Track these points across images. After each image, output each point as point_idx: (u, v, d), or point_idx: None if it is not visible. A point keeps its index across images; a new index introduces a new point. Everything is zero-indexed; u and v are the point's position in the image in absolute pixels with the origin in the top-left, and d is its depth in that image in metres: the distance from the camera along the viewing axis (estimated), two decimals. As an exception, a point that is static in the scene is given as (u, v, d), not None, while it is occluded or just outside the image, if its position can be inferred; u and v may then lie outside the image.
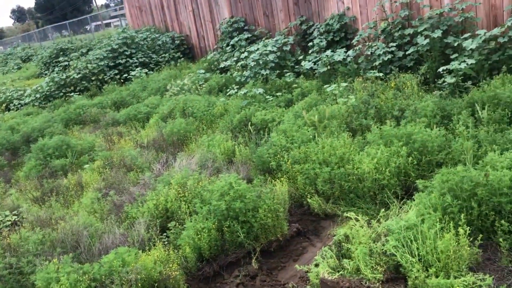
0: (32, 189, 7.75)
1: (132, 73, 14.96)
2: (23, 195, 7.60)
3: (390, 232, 4.33)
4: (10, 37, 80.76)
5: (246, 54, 11.99)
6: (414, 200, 4.90)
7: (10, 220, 6.54)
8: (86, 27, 46.85)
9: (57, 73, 17.27)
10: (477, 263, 3.98)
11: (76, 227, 5.73)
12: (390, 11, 9.94)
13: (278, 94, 9.94)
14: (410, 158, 5.62)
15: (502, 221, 4.11)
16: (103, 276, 4.40)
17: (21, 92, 16.71)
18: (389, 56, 9.20)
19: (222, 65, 13.38)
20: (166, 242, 5.46)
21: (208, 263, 5.10)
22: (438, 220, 4.07)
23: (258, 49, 11.58)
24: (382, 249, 4.23)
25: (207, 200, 5.50)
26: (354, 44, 10.74)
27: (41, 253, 5.36)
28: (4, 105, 16.06)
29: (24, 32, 76.89)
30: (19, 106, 15.70)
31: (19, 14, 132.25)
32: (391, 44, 9.46)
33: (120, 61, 15.51)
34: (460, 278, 3.64)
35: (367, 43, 10.10)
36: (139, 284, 4.36)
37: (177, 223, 5.62)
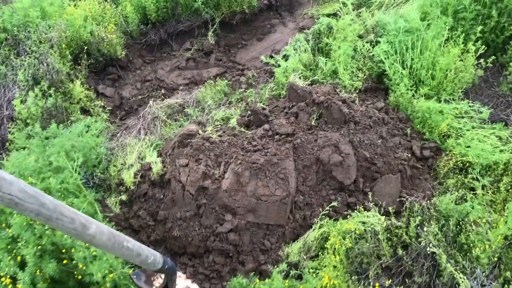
0: None
1: None
2: None
3: (384, 31, 3.51)
4: None
5: None
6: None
7: None
8: None
9: None
10: (472, 84, 3.38)
11: None
12: None
13: None
14: None
15: (519, 41, 3.37)
16: (16, 28, 3.41)
17: None
18: None
19: None
20: (102, -8, 4.31)
21: (154, 28, 4.10)
22: (446, 28, 3.24)
23: None
24: (369, 50, 3.47)
25: None
26: None
27: None
28: None
29: None
30: None
31: None
32: None
33: None
34: (451, 103, 3.08)
35: None
36: (63, 45, 3.45)
37: (118, -33, 4.37)
